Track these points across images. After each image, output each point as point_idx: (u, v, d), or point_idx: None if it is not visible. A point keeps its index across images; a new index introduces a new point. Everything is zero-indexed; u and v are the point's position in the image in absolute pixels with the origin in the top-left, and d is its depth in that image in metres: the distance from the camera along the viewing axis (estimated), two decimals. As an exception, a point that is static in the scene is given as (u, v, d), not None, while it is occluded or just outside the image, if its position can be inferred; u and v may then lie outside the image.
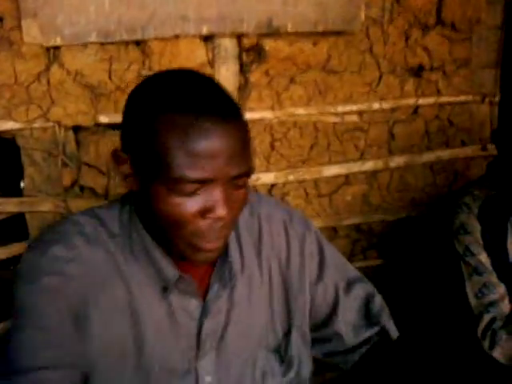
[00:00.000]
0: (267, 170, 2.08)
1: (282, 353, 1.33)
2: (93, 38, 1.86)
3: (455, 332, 1.67)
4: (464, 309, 1.60)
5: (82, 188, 1.94)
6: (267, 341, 1.31)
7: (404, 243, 2.30)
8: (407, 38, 2.17)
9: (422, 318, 1.87)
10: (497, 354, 1.55)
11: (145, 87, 1.13)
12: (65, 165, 1.90)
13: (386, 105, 2.14)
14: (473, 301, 1.59)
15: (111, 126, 1.92)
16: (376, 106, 2.12)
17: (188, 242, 1.09)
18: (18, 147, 1.88)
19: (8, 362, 1.10)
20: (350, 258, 2.24)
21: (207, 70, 1.97)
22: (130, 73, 1.91)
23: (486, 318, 1.56)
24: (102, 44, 1.87)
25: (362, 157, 2.17)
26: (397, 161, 2.21)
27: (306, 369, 1.35)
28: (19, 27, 1.80)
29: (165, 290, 1.17)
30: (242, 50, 2.00)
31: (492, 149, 2.28)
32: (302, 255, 1.34)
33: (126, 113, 1.14)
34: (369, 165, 2.17)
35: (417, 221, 2.28)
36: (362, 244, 2.31)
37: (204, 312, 1.20)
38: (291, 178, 2.09)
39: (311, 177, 2.12)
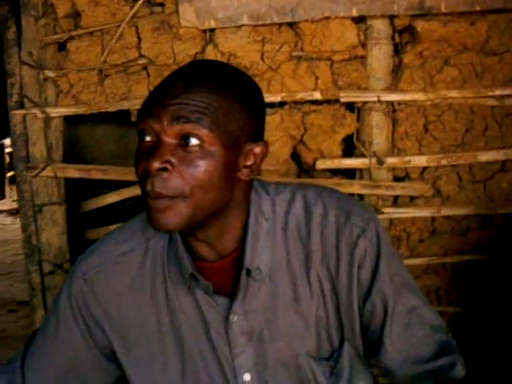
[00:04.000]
0: (419, 153, 2.02)
1: (332, 363, 1.26)
2: (245, 20, 1.96)
3: None
4: None
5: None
6: (318, 350, 1.22)
7: None
8: None
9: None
10: None
11: None
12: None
13: (551, 88, 2.01)
14: None
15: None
16: (539, 89, 2.00)
17: (145, 204, 1.06)
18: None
19: None
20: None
21: (359, 52, 1.99)
22: (282, 54, 1.97)
23: None
24: (255, 26, 1.96)
25: (522, 143, 2.05)
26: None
27: (361, 382, 1.27)
28: (177, 12, 1.94)
29: (189, 287, 1.16)
30: (394, 31, 1.98)
31: None
32: (351, 264, 1.17)
33: None
34: (531, 152, 2.04)
35: None
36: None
37: (231, 309, 1.16)
38: (444, 162, 2.02)
39: (465, 162, 2.03)
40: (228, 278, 1.16)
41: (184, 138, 0.99)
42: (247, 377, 1.18)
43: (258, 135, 1.10)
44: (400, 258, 1.26)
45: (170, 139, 1.00)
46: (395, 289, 1.17)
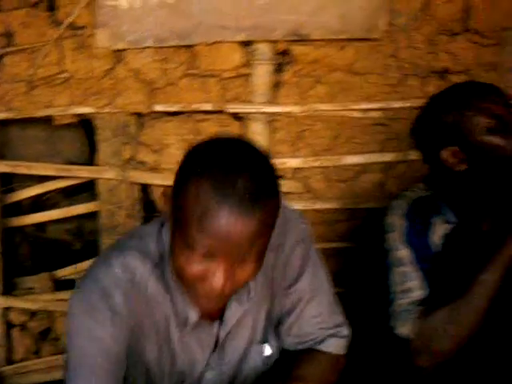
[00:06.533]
0: (294, 156, 2.41)
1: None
2: (149, 43, 2.33)
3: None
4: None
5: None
6: (260, 336, 1.58)
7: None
8: (433, 44, 2.39)
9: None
10: (404, 329, 1.72)
11: (191, 153, 1.29)
12: (126, 143, 2.38)
13: (406, 104, 2.37)
14: (392, 289, 1.77)
15: (164, 113, 2.38)
16: (397, 104, 2.37)
17: (191, 296, 1.30)
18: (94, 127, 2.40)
19: None
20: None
21: (245, 70, 2.36)
22: (180, 71, 2.35)
23: (401, 300, 1.74)
24: (158, 48, 2.34)
25: (382, 149, 2.44)
26: (416, 154, 2.41)
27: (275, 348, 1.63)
28: (94, 35, 2.32)
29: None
30: (275, 53, 2.36)
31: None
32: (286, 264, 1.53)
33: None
34: (388, 156, 2.43)
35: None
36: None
37: (222, 327, 1.47)
38: (315, 164, 2.41)
39: (333, 164, 2.42)
40: None
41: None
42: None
43: None
44: None
45: (228, 260, 1.19)
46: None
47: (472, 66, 2.43)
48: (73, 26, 2.32)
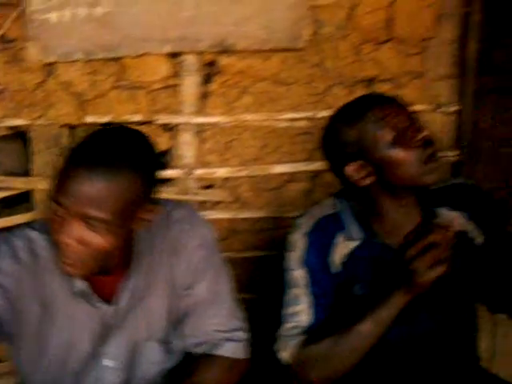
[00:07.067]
0: (222, 166, 2.45)
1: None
2: (79, 56, 2.38)
3: None
4: None
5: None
6: (159, 335, 1.67)
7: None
8: (358, 53, 2.42)
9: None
10: (285, 355, 1.73)
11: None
12: (59, 154, 2.43)
13: (331, 113, 2.39)
14: (283, 310, 1.78)
15: (95, 125, 2.43)
16: (323, 113, 2.39)
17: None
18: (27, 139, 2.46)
19: None
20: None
21: (173, 81, 2.40)
22: (109, 83, 2.40)
23: (288, 324, 1.75)
24: (87, 61, 2.39)
25: (309, 158, 2.47)
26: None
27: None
28: (26, 48, 2.38)
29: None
30: (202, 64, 2.40)
31: (444, 156, 2.50)
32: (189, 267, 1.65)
33: None
34: (315, 165, 2.45)
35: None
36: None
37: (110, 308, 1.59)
38: (243, 173, 2.45)
39: (261, 173, 2.46)
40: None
41: (89, 218, 1.36)
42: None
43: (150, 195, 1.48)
44: None
45: (77, 219, 1.37)
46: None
47: (398, 75, 2.46)
48: (4, 39, 2.36)
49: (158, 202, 1.50)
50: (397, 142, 1.68)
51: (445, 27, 2.46)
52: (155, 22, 2.34)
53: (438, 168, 1.70)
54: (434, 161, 1.68)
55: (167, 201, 1.70)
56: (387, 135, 1.68)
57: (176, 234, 1.64)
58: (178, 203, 1.77)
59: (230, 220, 2.49)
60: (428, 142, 1.68)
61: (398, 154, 1.68)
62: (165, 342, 1.67)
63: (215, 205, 2.48)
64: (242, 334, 1.73)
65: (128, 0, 2.32)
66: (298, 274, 1.77)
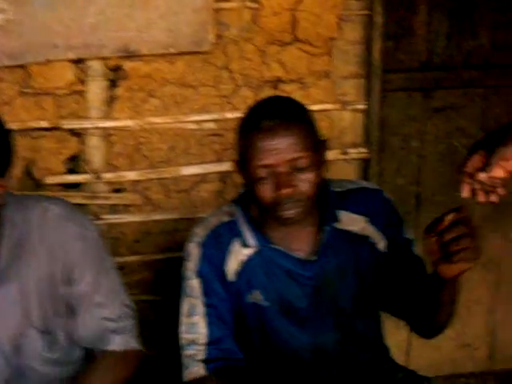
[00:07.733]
0: (132, 169, 2.46)
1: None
2: (-18, 64, 2.39)
3: None
4: None
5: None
6: (38, 323, 1.68)
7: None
8: (264, 55, 2.45)
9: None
10: (186, 374, 1.75)
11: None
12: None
13: (240, 114, 2.41)
14: (180, 318, 1.79)
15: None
16: (230, 115, 2.41)
17: None
18: None
19: None
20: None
21: (79, 87, 2.41)
22: (14, 91, 2.39)
23: (188, 335, 1.76)
24: (-9, 68, 2.39)
25: (218, 159, 2.50)
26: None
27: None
28: None
29: None
30: (107, 69, 2.41)
31: (352, 153, 2.53)
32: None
33: None
34: (225, 166, 2.47)
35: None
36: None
37: None
38: (152, 176, 2.46)
39: (170, 175, 2.48)
40: None
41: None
42: None
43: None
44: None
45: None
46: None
47: (304, 75, 2.49)
48: None
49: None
50: (263, 179, 1.65)
51: (349, 28, 2.51)
52: (59, 29, 2.34)
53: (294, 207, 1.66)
54: (287, 209, 1.65)
55: (42, 196, 1.84)
56: (256, 169, 1.65)
57: (53, 229, 1.68)
58: (55, 199, 1.86)
59: (142, 222, 2.49)
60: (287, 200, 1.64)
61: (259, 189, 1.66)
62: (46, 332, 1.69)
63: (126, 208, 2.48)
64: (130, 323, 1.78)
65: (32, 7, 2.33)
66: (194, 283, 1.77)
